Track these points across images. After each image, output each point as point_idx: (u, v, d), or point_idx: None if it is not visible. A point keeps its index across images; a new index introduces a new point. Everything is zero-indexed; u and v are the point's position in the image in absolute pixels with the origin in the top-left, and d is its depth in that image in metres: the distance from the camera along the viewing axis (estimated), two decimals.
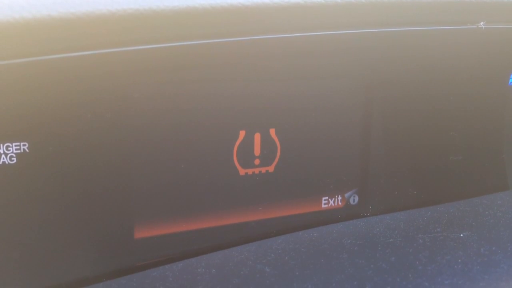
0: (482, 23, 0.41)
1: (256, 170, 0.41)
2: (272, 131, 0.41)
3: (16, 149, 0.32)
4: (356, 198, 0.45)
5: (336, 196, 0.45)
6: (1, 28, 0.27)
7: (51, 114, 0.34)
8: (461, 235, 0.37)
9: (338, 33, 0.38)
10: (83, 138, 0.35)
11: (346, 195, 0.45)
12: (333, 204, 0.45)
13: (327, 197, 0.44)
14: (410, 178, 0.47)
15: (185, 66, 0.36)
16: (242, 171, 0.41)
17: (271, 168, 0.42)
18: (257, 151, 0.41)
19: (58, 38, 0.29)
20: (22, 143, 0.32)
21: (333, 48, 0.40)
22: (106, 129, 0.35)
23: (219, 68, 0.37)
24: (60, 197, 0.34)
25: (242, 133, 0.40)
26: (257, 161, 0.42)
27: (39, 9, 0.28)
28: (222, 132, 0.39)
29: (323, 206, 0.44)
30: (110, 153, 0.36)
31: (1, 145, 0.31)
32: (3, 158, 0.32)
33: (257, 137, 0.41)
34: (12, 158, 0.32)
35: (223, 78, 0.38)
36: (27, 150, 0.33)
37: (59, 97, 0.33)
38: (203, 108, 0.38)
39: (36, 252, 0.35)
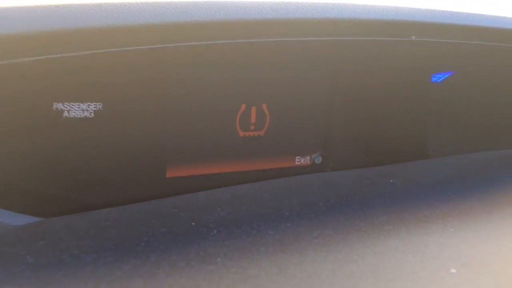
0: (413, 36, 0.49)
1: (251, 133, 0.49)
2: (264, 106, 0.49)
3: (94, 107, 0.41)
4: (320, 159, 0.53)
5: (306, 156, 0.53)
6: None
7: (116, 88, 0.41)
8: (391, 180, 0.47)
9: (312, 39, 0.46)
10: (134, 103, 0.42)
11: (313, 156, 0.53)
12: (303, 162, 0.53)
13: (299, 157, 0.52)
14: (359, 145, 0.55)
15: (211, 63, 0.44)
16: (241, 133, 0.48)
17: (262, 133, 0.49)
18: (252, 119, 0.49)
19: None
20: (98, 103, 0.41)
21: (308, 49, 0.47)
22: (151, 96, 0.43)
23: (232, 59, 0.45)
24: (121, 139, 0.42)
25: (243, 106, 0.48)
26: (252, 127, 0.49)
27: None
28: (230, 104, 0.47)
29: (296, 163, 0.52)
30: (152, 115, 0.43)
31: (85, 104, 0.41)
32: (86, 113, 0.41)
33: (253, 109, 0.48)
34: (91, 113, 0.41)
35: (233, 66, 0.46)
36: (101, 108, 0.41)
37: (119, 74, 0.41)
38: (219, 87, 0.46)
39: (96, 177, 0.42)
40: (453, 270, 0.28)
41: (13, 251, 0.29)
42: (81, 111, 0.41)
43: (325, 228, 0.34)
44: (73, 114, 0.41)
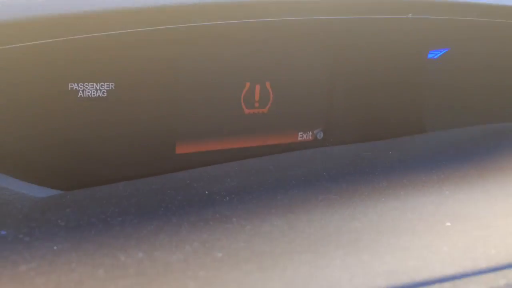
0: (410, 14, 0.50)
1: (256, 111, 0.51)
2: (268, 84, 0.51)
3: (107, 87, 0.43)
4: (321, 134, 0.55)
5: (308, 132, 0.54)
6: None
7: (127, 68, 0.43)
8: (390, 153, 0.50)
9: (312, 18, 0.47)
10: (144, 83, 0.44)
11: (315, 131, 0.55)
12: (306, 138, 0.54)
13: (302, 133, 0.54)
14: (359, 121, 0.57)
15: (216, 43, 0.46)
16: (246, 111, 0.50)
17: (265, 110, 0.51)
18: (257, 97, 0.51)
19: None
20: (111, 83, 0.43)
21: (309, 28, 0.49)
22: (160, 76, 0.45)
23: (236, 39, 0.47)
24: (132, 117, 0.45)
25: (247, 84, 0.50)
26: (256, 104, 0.51)
27: None
28: (235, 83, 0.49)
29: (299, 138, 0.54)
30: (160, 94, 0.45)
31: (99, 84, 0.43)
32: (99, 92, 0.43)
33: (257, 87, 0.50)
34: (104, 92, 0.43)
35: (238, 45, 0.48)
36: (114, 88, 0.43)
37: (130, 55, 0.43)
38: (225, 66, 0.48)
39: (110, 153, 0.44)
40: (448, 224, 0.31)
41: (44, 217, 0.31)
42: (95, 91, 0.44)
43: (330, 193, 0.37)
44: (88, 93, 0.43)
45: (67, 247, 0.27)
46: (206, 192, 0.37)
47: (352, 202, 0.34)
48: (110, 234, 0.29)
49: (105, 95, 0.44)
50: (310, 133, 0.55)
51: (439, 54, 0.60)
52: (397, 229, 0.30)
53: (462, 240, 0.28)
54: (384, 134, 0.58)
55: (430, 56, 0.59)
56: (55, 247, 0.27)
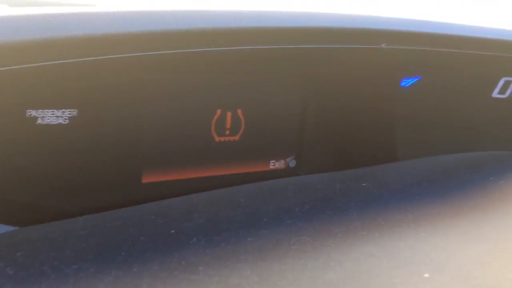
0: (383, 44, 0.50)
1: (227, 138, 0.50)
2: (240, 111, 0.50)
3: (69, 114, 0.41)
4: (294, 162, 0.55)
5: (280, 160, 0.54)
6: None
7: (92, 94, 0.41)
8: (363, 184, 0.48)
9: (285, 47, 0.46)
10: (109, 110, 0.42)
11: (287, 160, 0.55)
12: (277, 166, 0.54)
13: (274, 161, 0.54)
14: (332, 149, 0.57)
15: (187, 70, 0.45)
16: (217, 138, 0.49)
17: (237, 137, 0.50)
18: (228, 124, 0.50)
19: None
20: (73, 110, 0.41)
21: (282, 57, 0.48)
22: (126, 103, 0.43)
23: (207, 66, 0.45)
24: (96, 145, 0.43)
25: (219, 111, 0.49)
26: (227, 132, 0.50)
27: None
28: (205, 109, 0.48)
29: (270, 167, 0.54)
30: (127, 121, 0.44)
31: (59, 110, 0.40)
32: (60, 120, 0.41)
33: (229, 114, 0.49)
34: (66, 120, 0.41)
35: (209, 72, 0.47)
36: (76, 115, 0.41)
37: (94, 82, 0.41)
38: (195, 93, 0.47)
39: (71, 184, 0.42)
40: (426, 275, 0.29)
41: None
42: (55, 118, 0.41)
43: (302, 235, 0.35)
44: (47, 120, 0.41)
45: None
46: (172, 231, 0.35)
47: (325, 247, 0.33)
48: None
49: (67, 122, 0.41)
50: (283, 161, 0.55)
51: (411, 82, 0.60)
52: (373, 283, 0.28)
53: None
54: (356, 162, 0.57)
55: (402, 84, 0.59)
56: None
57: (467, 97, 0.64)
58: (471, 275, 0.30)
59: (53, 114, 0.41)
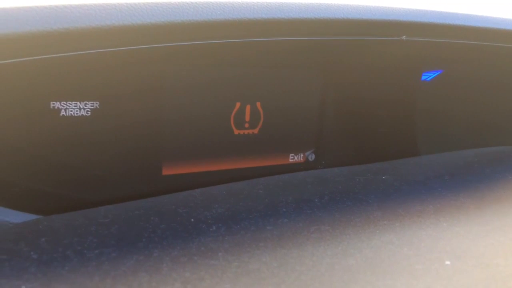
0: (404, 36, 0.50)
1: (246, 131, 0.50)
2: (258, 104, 0.50)
3: (91, 106, 0.42)
4: (313, 156, 0.55)
5: (300, 154, 0.54)
6: None
7: (113, 87, 0.42)
8: (384, 177, 0.48)
9: (305, 39, 0.46)
10: (130, 102, 0.43)
11: (306, 153, 0.54)
12: (297, 159, 0.54)
13: (293, 154, 0.54)
14: (351, 143, 0.56)
15: (206, 62, 0.45)
16: (236, 131, 0.49)
17: (256, 131, 0.50)
18: (247, 118, 0.50)
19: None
20: (95, 102, 0.42)
21: (301, 49, 0.48)
22: (148, 95, 0.43)
23: (226, 59, 0.46)
24: (118, 137, 0.43)
25: (238, 104, 0.49)
26: (246, 125, 0.50)
27: None
28: (224, 103, 0.48)
29: (290, 160, 0.53)
30: (148, 113, 0.44)
31: (82, 102, 0.41)
32: (82, 111, 0.41)
33: (248, 108, 0.49)
34: (88, 112, 0.42)
35: (228, 65, 0.47)
36: (98, 107, 0.42)
37: (116, 74, 0.42)
38: (215, 86, 0.47)
39: (93, 175, 0.42)
40: (447, 262, 0.29)
41: (16, 248, 0.29)
42: (78, 110, 0.42)
43: (322, 224, 0.35)
44: (70, 112, 0.41)
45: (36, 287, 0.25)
46: (192, 220, 0.35)
47: (345, 235, 0.33)
48: (85, 271, 0.26)
49: (89, 114, 0.42)
50: (302, 155, 0.54)
51: (432, 76, 0.60)
52: (394, 268, 0.28)
53: (463, 282, 0.27)
54: (376, 156, 0.57)
55: (423, 78, 0.59)
56: (23, 287, 0.25)
57: (489, 90, 0.63)
58: (493, 262, 0.29)
59: (76, 106, 0.42)
